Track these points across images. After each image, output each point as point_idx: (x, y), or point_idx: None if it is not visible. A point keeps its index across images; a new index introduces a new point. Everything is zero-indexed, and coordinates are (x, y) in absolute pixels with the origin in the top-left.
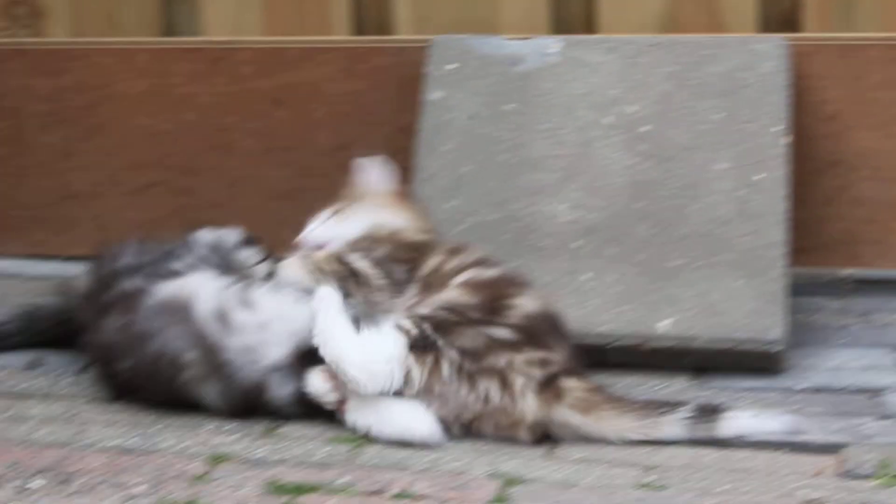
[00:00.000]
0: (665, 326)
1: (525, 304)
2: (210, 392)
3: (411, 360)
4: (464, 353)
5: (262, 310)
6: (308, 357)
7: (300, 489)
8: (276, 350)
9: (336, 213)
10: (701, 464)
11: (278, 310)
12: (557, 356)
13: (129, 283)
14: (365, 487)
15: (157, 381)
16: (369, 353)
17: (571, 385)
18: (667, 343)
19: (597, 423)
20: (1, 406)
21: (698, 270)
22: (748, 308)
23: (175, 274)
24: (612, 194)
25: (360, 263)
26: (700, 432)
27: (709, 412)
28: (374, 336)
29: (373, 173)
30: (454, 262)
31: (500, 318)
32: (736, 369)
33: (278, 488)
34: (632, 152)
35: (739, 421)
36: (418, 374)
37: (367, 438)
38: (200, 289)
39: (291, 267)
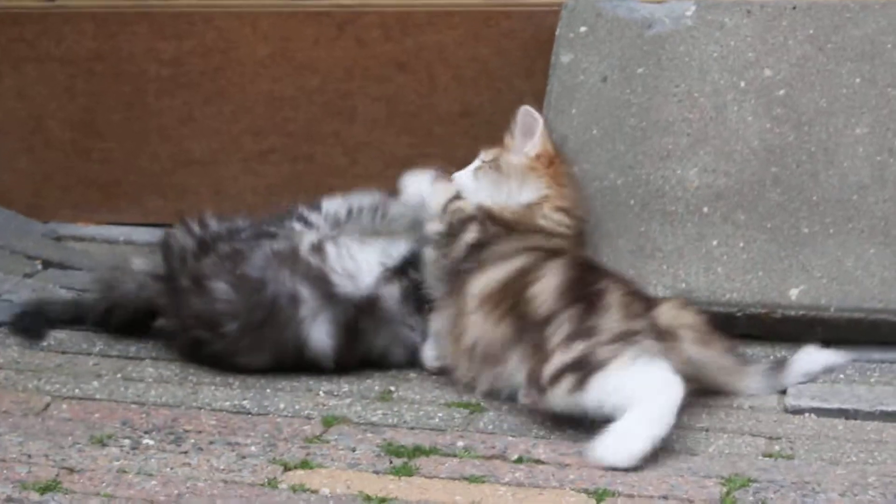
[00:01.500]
0: (795, 295)
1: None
2: (321, 330)
3: None
4: None
5: (345, 245)
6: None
7: (417, 451)
8: (369, 274)
9: (490, 165)
10: (829, 434)
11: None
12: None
13: (227, 247)
14: (483, 451)
15: (273, 329)
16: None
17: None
18: (797, 312)
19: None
20: (113, 367)
21: (831, 238)
22: (883, 276)
23: (273, 235)
24: (743, 159)
25: (469, 236)
26: (773, 382)
27: (780, 363)
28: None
29: (534, 130)
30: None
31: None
32: (868, 340)
33: (394, 450)
34: (766, 116)
35: (800, 362)
36: None
37: (481, 406)
38: (304, 236)
39: (437, 191)
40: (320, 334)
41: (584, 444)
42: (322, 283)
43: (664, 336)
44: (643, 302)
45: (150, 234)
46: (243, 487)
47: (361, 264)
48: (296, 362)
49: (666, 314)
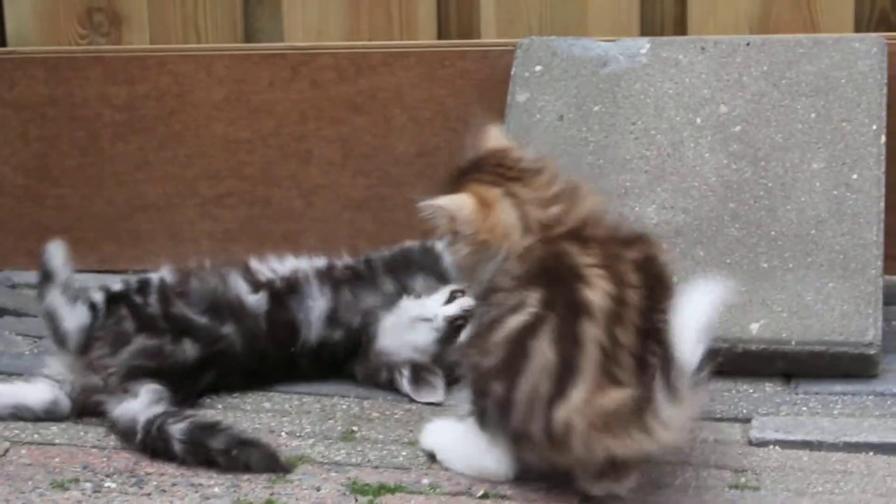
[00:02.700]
0: (756, 329)
1: None
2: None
3: None
4: None
5: None
6: None
7: (382, 489)
8: None
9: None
10: (794, 465)
11: None
12: None
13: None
14: (449, 489)
15: None
16: None
17: None
18: (758, 346)
19: None
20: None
21: (791, 272)
22: (842, 310)
23: None
24: (701, 195)
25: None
26: None
27: None
28: None
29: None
30: None
31: None
32: (829, 373)
33: (359, 489)
34: (723, 152)
35: None
36: None
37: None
38: None
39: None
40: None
41: (551, 480)
42: None
43: None
44: None
45: (107, 282)
46: None
47: None
48: None
49: None
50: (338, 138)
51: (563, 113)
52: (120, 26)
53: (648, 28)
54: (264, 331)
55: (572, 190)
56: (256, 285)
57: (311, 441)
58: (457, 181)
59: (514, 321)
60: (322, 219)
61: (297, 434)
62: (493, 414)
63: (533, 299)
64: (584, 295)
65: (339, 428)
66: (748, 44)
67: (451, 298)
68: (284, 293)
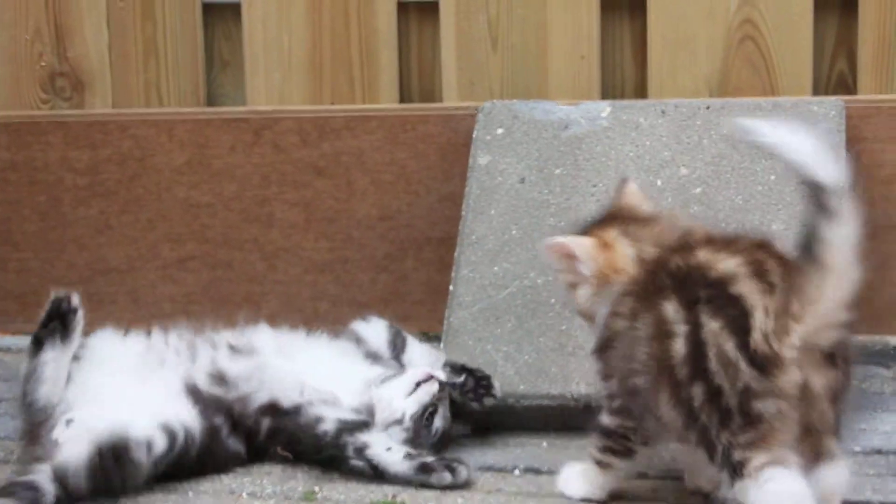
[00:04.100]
0: None
1: None
2: None
3: None
4: None
5: None
6: None
7: None
8: None
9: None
10: None
11: None
12: None
13: None
14: None
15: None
16: None
17: None
18: None
19: None
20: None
21: None
22: None
23: None
24: None
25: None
26: None
27: None
28: None
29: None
30: None
31: None
32: None
33: None
34: (684, 214)
35: None
36: None
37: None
38: None
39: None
40: None
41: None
42: None
43: None
44: None
45: None
46: None
47: None
48: None
49: None
50: (300, 202)
51: (525, 175)
52: (82, 91)
53: (609, 91)
54: None
55: (687, 231)
56: None
57: (271, 502)
58: (582, 231)
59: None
60: (284, 282)
61: (258, 495)
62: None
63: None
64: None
65: (300, 488)
66: (708, 107)
67: (415, 388)
68: None
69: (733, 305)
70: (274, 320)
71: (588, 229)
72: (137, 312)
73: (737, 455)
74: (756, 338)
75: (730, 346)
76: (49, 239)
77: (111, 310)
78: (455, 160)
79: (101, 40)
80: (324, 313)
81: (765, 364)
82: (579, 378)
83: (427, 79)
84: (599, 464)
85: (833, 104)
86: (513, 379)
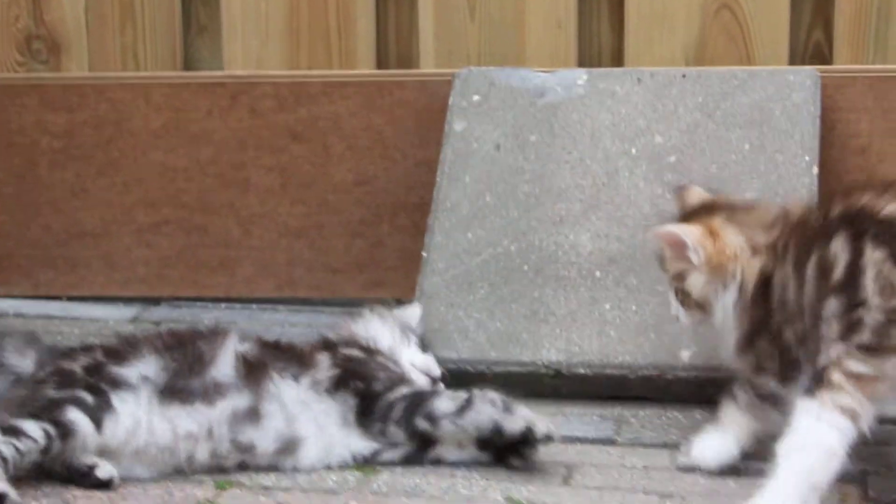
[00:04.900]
0: (687, 356)
1: None
2: None
3: None
4: None
5: None
6: None
7: None
8: None
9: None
10: (721, 491)
11: None
12: None
13: None
14: None
15: None
16: None
17: None
18: (688, 373)
19: None
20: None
21: None
22: None
23: None
24: (635, 224)
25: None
26: None
27: None
28: None
29: (684, 245)
30: None
31: None
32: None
33: None
34: (658, 182)
35: None
36: None
37: (375, 467)
38: None
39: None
40: None
41: (478, 502)
42: None
43: None
44: None
45: (41, 307)
46: None
47: None
48: None
49: None
50: (276, 166)
51: (500, 142)
52: (59, 54)
53: (586, 59)
54: None
55: (786, 213)
56: None
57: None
58: (684, 221)
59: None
60: (259, 247)
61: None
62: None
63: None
64: None
65: None
66: (684, 75)
67: None
68: None
69: None
70: (249, 285)
71: (690, 218)
72: (112, 276)
73: (833, 377)
74: None
75: (894, 275)
76: (24, 202)
77: (85, 273)
78: (431, 126)
79: (78, 4)
80: (298, 278)
81: None
82: (550, 345)
83: (404, 45)
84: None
85: (809, 74)
86: (484, 345)
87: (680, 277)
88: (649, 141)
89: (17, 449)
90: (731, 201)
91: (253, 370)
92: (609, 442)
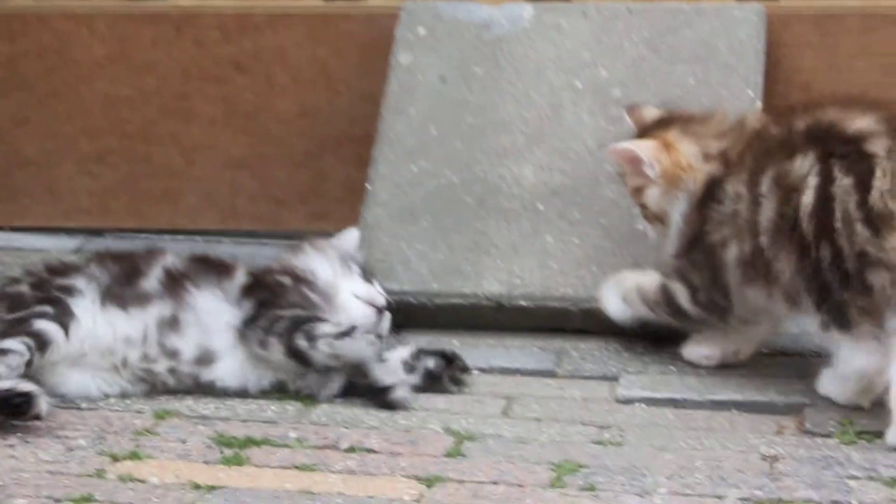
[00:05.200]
0: None
1: None
2: None
3: None
4: None
5: None
6: None
7: (248, 442)
8: None
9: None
10: (659, 422)
11: None
12: None
13: None
14: (315, 442)
15: None
16: None
17: None
18: None
19: None
20: None
21: None
22: None
23: None
24: (579, 157)
25: None
26: None
27: None
28: None
29: (639, 160)
30: None
31: None
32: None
33: (225, 441)
34: (602, 116)
35: None
36: None
37: (314, 399)
38: None
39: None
40: None
41: (417, 433)
42: None
43: None
44: None
45: None
46: (70, 478)
47: None
48: None
49: None
50: (220, 97)
51: (445, 75)
52: None
53: None
54: None
55: (742, 122)
56: None
57: (180, 394)
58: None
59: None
60: (202, 177)
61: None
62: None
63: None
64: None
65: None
66: (629, 10)
67: None
68: None
69: (864, 162)
70: (192, 216)
71: (646, 134)
72: (55, 207)
73: (854, 314)
74: (874, 196)
75: (852, 205)
76: None
77: (28, 203)
78: (376, 59)
79: None
80: (242, 210)
81: (878, 224)
82: (492, 277)
83: None
84: None
85: (755, 9)
86: (426, 277)
87: (638, 192)
88: (594, 75)
89: (8, 366)
90: (686, 113)
91: (174, 282)
92: (549, 374)
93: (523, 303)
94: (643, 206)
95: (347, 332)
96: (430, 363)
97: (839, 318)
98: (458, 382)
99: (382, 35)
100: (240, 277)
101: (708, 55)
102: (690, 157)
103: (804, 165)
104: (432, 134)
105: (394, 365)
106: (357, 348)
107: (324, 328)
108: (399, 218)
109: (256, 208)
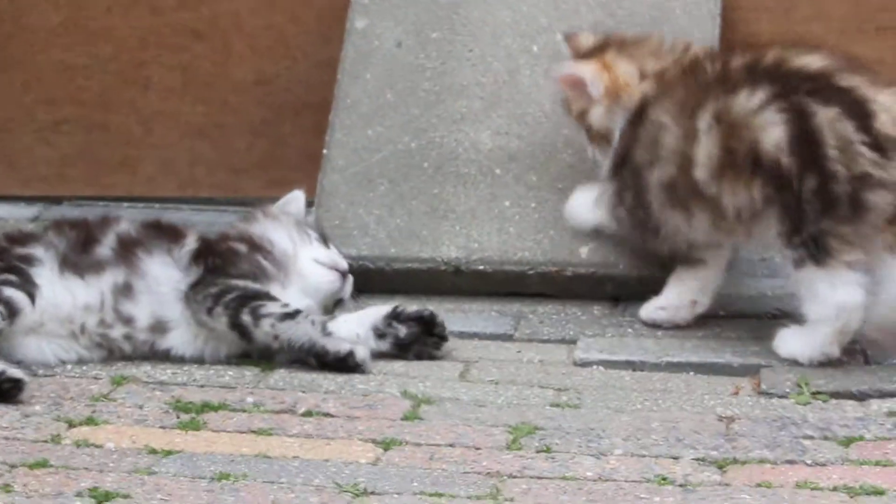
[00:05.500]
0: (585, 252)
1: None
2: None
3: None
4: None
5: None
6: None
7: (205, 407)
8: None
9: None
10: (616, 385)
11: None
12: None
13: None
14: (272, 406)
15: None
16: None
17: None
18: (587, 270)
19: None
20: None
21: None
22: None
23: None
24: (536, 122)
25: None
26: None
27: None
28: None
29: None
30: None
31: None
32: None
33: (182, 406)
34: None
35: None
36: None
37: (273, 364)
38: None
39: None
40: None
41: (374, 397)
42: None
43: None
44: None
45: None
46: (25, 444)
47: None
48: None
49: None
50: (177, 65)
51: (402, 39)
52: None
53: None
54: None
55: (683, 45)
56: None
57: (137, 360)
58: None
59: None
60: (161, 146)
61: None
62: None
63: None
64: None
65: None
66: None
67: None
68: None
69: (845, 94)
70: (150, 184)
71: (585, 58)
72: (13, 175)
73: (831, 243)
74: (883, 119)
75: (849, 130)
76: None
77: None
78: (332, 24)
79: None
80: (200, 178)
81: (887, 147)
82: (450, 242)
83: None
84: None
85: None
86: (384, 242)
87: (583, 115)
88: (550, 39)
89: None
90: (622, 36)
91: (126, 249)
92: (507, 337)
93: (481, 267)
94: (589, 128)
95: (291, 315)
96: (402, 331)
97: (816, 250)
98: (433, 353)
99: (339, 0)
100: (190, 243)
101: (664, 19)
102: (627, 75)
103: (752, 101)
104: (389, 99)
105: (341, 334)
106: (300, 331)
107: (270, 307)
108: (356, 183)
109: (215, 176)
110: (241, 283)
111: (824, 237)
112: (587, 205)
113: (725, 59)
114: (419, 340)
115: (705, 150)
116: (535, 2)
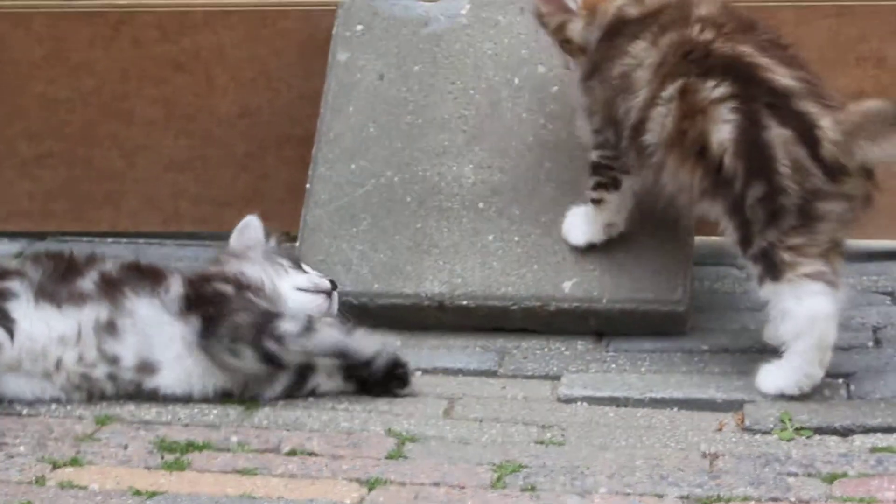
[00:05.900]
0: (569, 287)
1: None
2: None
3: None
4: None
5: None
6: None
7: (190, 447)
8: None
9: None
10: (600, 421)
11: None
12: None
13: None
14: (257, 445)
15: None
16: None
17: None
18: (570, 304)
19: None
20: None
21: None
22: (653, 268)
23: None
24: (518, 155)
25: None
26: None
27: None
28: None
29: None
30: None
31: None
32: (639, 331)
33: (167, 446)
34: (540, 113)
35: None
36: None
37: (257, 402)
38: None
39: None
40: None
41: (358, 436)
42: None
43: None
44: None
45: None
46: (9, 486)
47: None
48: None
49: None
50: (160, 98)
51: (384, 72)
52: None
53: None
54: None
55: None
56: None
57: (122, 400)
58: None
59: None
60: (144, 179)
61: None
62: None
63: None
64: None
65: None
66: None
67: None
68: None
69: (800, 118)
70: (134, 219)
71: None
72: None
73: (783, 256)
74: (827, 148)
75: (802, 154)
76: None
77: None
78: (315, 57)
79: None
80: (184, 212)
81: (835, 172)
82: (433, 277)
83: None
84: (595, 202)
85: None
86: (367, 277)
87: (561, 29)
88: (532, 71)
89: None
90: None
91: (110, 286)
92: (491, 373)
93: (465, 302)
94: (567, 41)
95: (309, 326)
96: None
97: (770, 264)
98: (396, 393)
99: (321, 32)
100: (175, 286)
101: None
102: None
103: (716, 92)
104: (371, 132)
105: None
106: (325, 336)
107: (286, 326)
108: (339, 218)
109: (199, 210)
110: (242, 314)
111: (774, 250)
112: (579, 224)
113: (715, 41)
114: (381, 382)
115: (659, 120)
116: (517, 34)
